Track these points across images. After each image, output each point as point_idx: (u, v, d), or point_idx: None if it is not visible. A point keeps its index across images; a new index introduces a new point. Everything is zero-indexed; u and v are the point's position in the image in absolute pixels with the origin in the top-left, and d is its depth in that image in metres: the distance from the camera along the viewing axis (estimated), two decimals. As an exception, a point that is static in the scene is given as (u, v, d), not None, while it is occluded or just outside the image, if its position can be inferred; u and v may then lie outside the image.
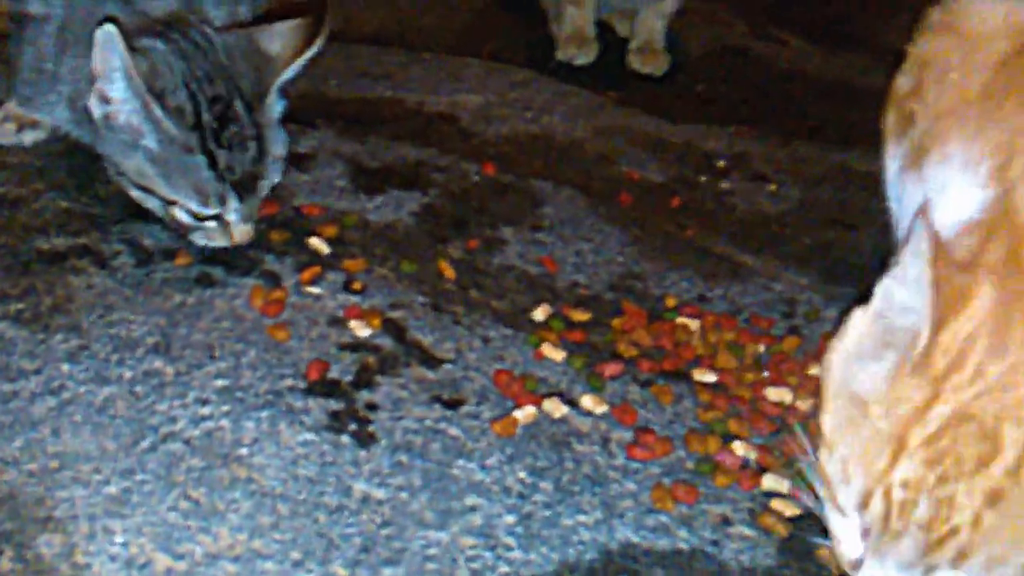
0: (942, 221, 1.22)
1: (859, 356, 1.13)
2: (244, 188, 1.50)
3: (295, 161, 1.82)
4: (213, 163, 1.47)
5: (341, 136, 1.91)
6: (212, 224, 1.53)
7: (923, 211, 1.09)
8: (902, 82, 1.51)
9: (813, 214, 1.93)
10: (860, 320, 1.16)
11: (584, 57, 2.35)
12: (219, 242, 1.54)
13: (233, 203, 1.50)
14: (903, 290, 1.10)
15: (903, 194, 1.49)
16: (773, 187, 1.99)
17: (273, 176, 1.55)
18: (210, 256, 1.56)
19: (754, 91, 2.34)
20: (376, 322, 1.48)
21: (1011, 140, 1.27)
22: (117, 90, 1.45)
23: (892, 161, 1.53)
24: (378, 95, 2.09)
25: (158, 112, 1.44)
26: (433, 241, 1.69)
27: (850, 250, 1.82)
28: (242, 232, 1.53)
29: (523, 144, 2.01)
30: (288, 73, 1.55)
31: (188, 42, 1.51)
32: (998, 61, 1.37)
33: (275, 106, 1.56)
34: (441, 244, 1.68)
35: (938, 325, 1.06)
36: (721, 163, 2.04)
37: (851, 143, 2.12)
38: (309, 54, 1.56)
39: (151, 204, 1.53)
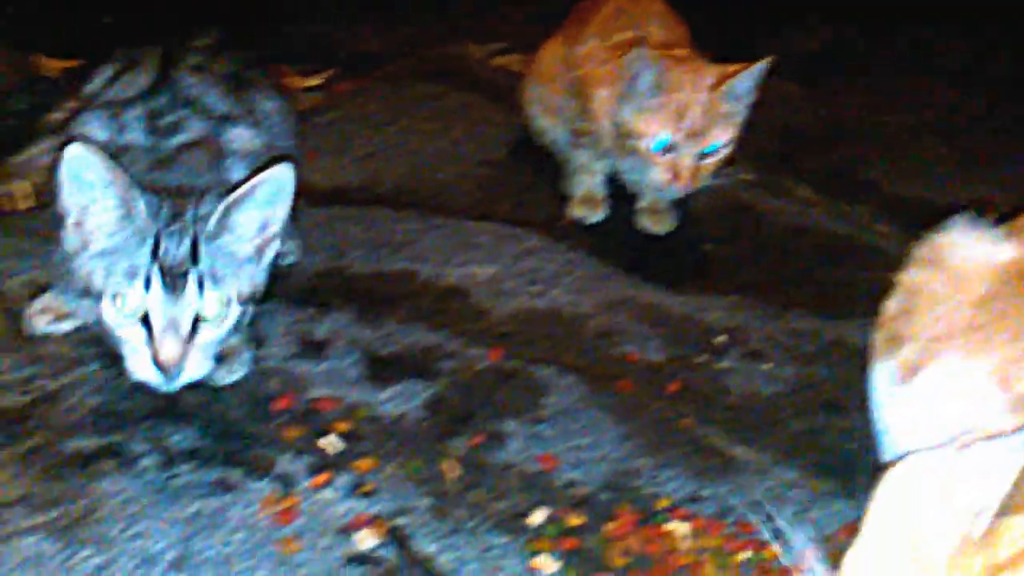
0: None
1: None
2: (172, 281, 1.61)
3: (310, 350, 1.94)
4: (155, 250, 1.62)
5: (358, 321, 2.02)
6: (137, 331, 1.62)
7: None
8: (891, 306, 1.68)
9: (805, 396, 2.02)
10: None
11: (594, 217, 2.46)
12: (147, 370, 1.64)
13: (158, 289, 1.60)
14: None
15: (892, 405, 1.63)
16: (768, 366, 2.08)
17: (214, 305, 1.65)
18: (230, 455, 1.68)
19: (757, 250, 2.43)
20: (381, 531, 1.59)
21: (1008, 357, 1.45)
22: (92, 195, 1.60)
23: (882, 376, 1.65)
24: (394, 269, 2.20)
25: (135, 192, 1.60)
26: (440, 436, 1.79)
27: (838, 439, 1.90)
28: (167, 349, 1.61)
29: (530, 322, 2.11)
30: None
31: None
32: (981, 298, 1.55)
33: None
34: (447, 440, 1.79)
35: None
36: (720, 339, 2.13)
37: (847, 313, 2.21)
38: None
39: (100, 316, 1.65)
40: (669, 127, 2.20)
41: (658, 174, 2.24)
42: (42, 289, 1.91)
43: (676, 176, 2.22)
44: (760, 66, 2.19)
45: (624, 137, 2.25)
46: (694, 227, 2.49)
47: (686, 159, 2.21)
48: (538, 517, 1.67)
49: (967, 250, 1.59)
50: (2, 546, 1.50)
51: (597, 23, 2.40)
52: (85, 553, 1.51)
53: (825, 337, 2.16)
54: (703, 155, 2.22)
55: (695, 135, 2.19)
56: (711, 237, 2.47)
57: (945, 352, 1.52)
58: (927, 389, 1.54)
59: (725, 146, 2.24)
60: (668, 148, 2.22)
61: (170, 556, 1.52)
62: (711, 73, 2.21)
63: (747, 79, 2.20)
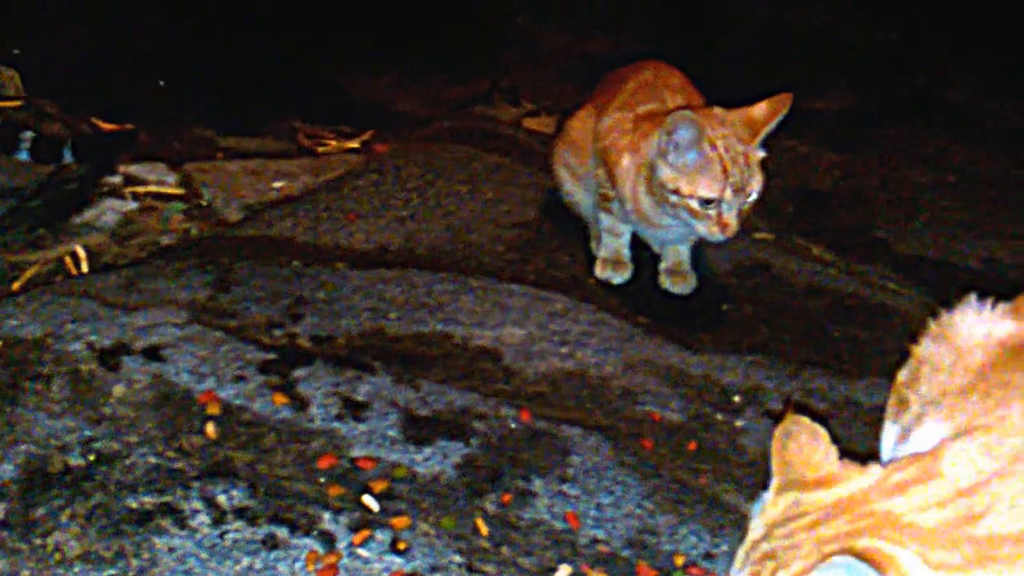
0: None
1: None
2: None
3: (352, 410, 2.08)
4: None
5: (396, 382, 2.16)
6: None
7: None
8: (903, 374, 1.81)
9: (817, 454, 2.13)
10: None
11: (619, 278, 2.60)
12: None
13: None
14: None
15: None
16: (782, 425, 2.20)
17: None
18: (277, 513, 1.82)
19: (773, 310, 2.56)
20: (417, 589, 1.73)
21: (968, 422, 1.59)
22: None
23: (888, 437, 1.80)
24: (431, 330, 2.35)
25: None
26: (472, 494, 1.93)
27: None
28: None
29: (557, 383, 2.25)
30: None
31: None
32: (975, 368, 1.69)
33: None
34: (478, 498, 1.92)
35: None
36: (736, 398, 2.26)
37: (859, 372, 2.34)
38: None
39: None
40: (716, 186, 2.29)
41: (707, 227, 2.33)
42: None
43: (724, 227, 2.31)
44: (786, 107, 2.30)
45: (666, 193, 2.34)
46: (713, 287, 2.62)
47: (733, 210, 2.31)
48: (563, 573, 1.80)
49: (970, 326, 1.72)
50: (67, 601, 1.64)
51: (622, 97, 2.54)
52: (144, 612, 1.65)
53: (837, 396, 2.28)
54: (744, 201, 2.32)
55: (739, 188, 2.30)
56: (729, 297, 2.60)
57: (929, 417, 1.65)
58: (915, 444, 1.67)
59: (760, 190, 2.34)
60: (714, 202, 2.31)
61: (223, 614, 1.66)
62: (739, 123, 2.32)
63: (775, 124, 2.31)
